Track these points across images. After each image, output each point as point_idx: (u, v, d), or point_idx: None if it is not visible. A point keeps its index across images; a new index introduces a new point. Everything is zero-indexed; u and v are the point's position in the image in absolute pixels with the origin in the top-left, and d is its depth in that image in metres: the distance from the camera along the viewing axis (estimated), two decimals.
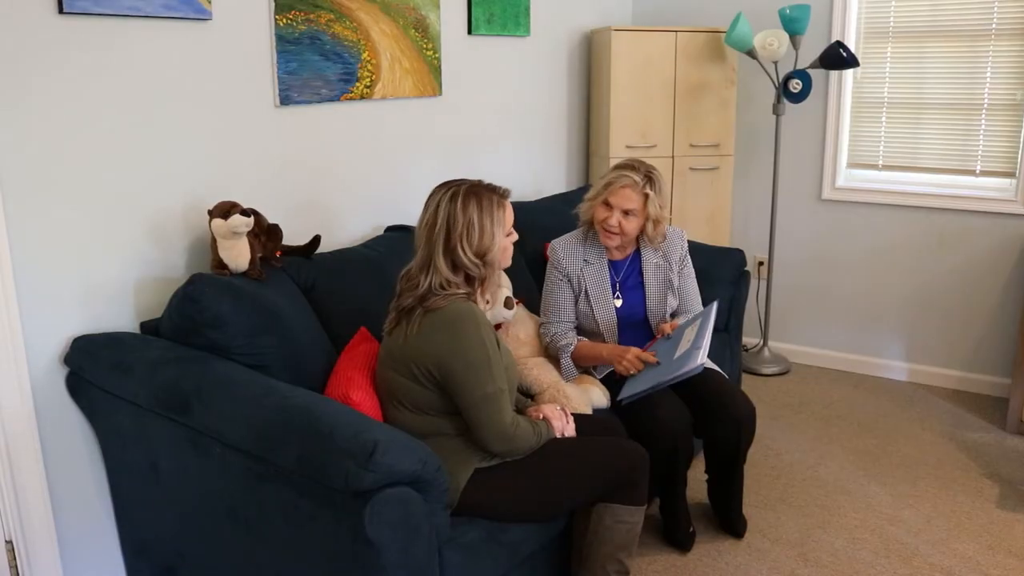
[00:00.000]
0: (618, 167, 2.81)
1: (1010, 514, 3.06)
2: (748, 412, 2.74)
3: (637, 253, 2.93)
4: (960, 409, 3.97)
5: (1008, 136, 3.94)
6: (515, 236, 2.32)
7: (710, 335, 2.61)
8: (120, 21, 2.27)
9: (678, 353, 2.63)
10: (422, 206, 2.25)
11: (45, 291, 2.20)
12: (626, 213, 2.77)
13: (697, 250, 3.48)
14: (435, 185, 2.28)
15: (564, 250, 2.91)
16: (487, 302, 2.77)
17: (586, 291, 2.87)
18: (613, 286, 2.89)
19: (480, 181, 2.26)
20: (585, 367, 2.88)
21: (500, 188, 2.26)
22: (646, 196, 2.76)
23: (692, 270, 3.00)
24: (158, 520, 2.25)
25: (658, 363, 2.67)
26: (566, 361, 2.84)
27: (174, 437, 2.09)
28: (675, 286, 2.93)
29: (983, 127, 3.99)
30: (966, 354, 4.17)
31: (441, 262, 2.16)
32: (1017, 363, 3.63)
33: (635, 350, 2.72)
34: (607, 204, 2.79)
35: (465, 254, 2.16)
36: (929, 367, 4.27)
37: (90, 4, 2.16)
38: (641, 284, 2.91)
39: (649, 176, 2.77)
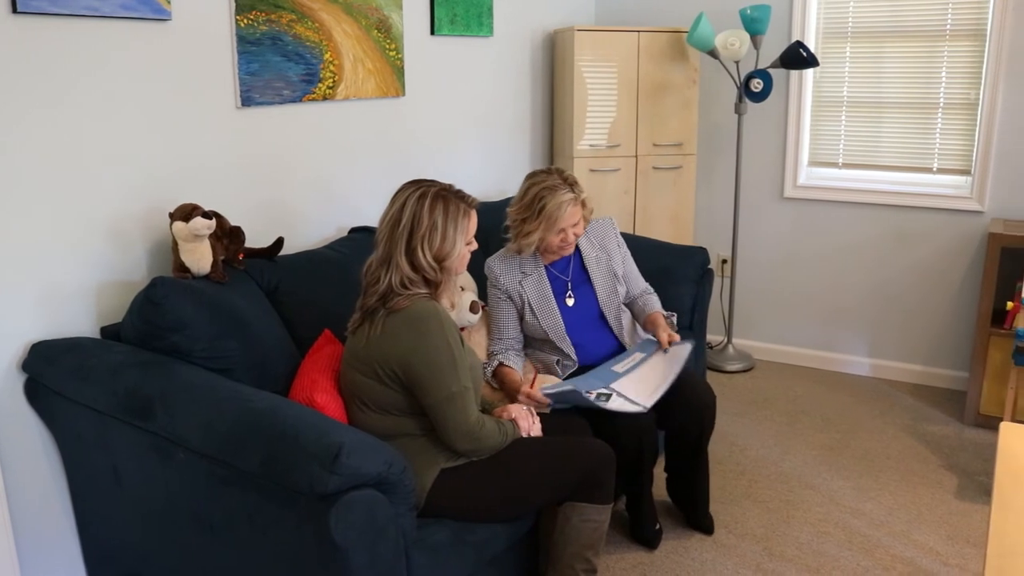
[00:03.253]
0: (541, 193, 2.71)
1: (968, 504, 3.12)
2: (709, 400, 2.77)
3: (577, 250, 2.94)
4: (920, 403, 4.03)
5: (963, 134, 4.01)
6: (475, 245, 2.31)
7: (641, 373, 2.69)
8: (76, 21, 2.23)
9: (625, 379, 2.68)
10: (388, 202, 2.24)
11: (2, 296, 2.16)
12: (575, 225, 2.77)
13: (660, 249, 3.52)
14: (400, 183, 2.27)
15: (500, 267, 2.88)
16: (451, 305, 2.76)
17: (529, 303, 2.85)
18: (563, 287, 2.90)
19: (450, 186, 2.25)
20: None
21: (469, 197, 2.26)
22: (583, 202, 2.77)
23: (628, 251, 3.04)
24: (121, 527, 2.22)
25: (549, 404, 2.59)
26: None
27: (137, 443, 2.07)
28: (619, 274, 2.95)
29: (939, 125, 4.06)
30: (926, 349, 4.24)
31: (403, 260, 2.15)
32: (975, 357, 3.70)
33: (523, 391, 2.60)
34: (559, 230, 2.75)
35: (424, 256, 2.16)
36: (890, 362, 4.34)
37: (45, 4, 2.13)
38: (588, 280, 2.93)
39: (571, 182, 2.74)
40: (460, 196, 2.24)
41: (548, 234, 2.75)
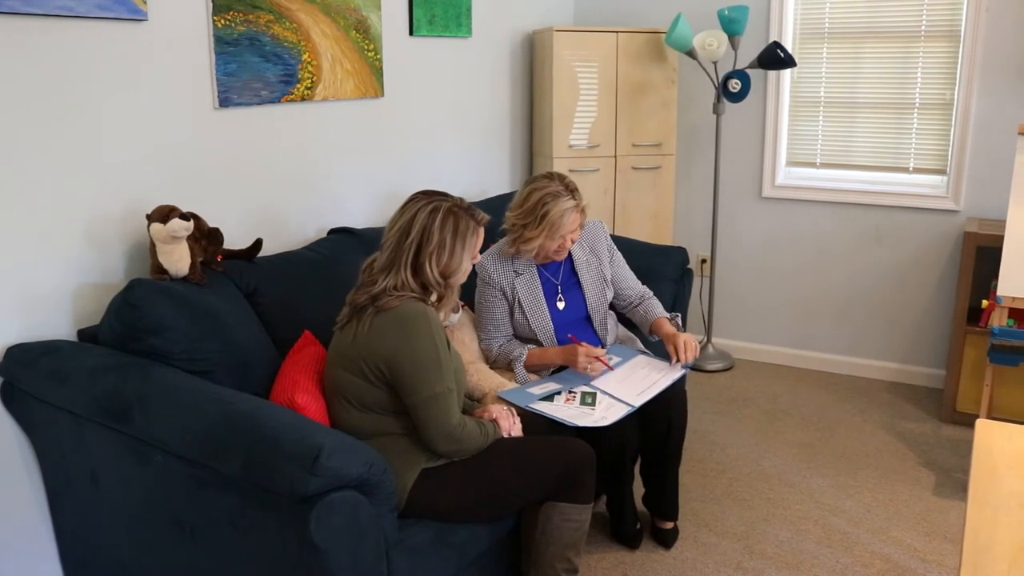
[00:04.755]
0: (544, 199, 2.69)
1: (945, 501, 3.15)
2: (676, 388, 2.73)
3: (567, 253, 2.94)
4: (898, 400, 4.07)
5: (939, 134, 4.05)
6: (478, 259, 2.33)
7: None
8: (51, 21, 2.21)
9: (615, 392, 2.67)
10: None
11: None
12: (573, 231, 2.77)
13: (640, 249, 3.53)
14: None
15: (494, 266, 2.86)
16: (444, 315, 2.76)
17: (519, 302, 2.84)
18: (554, 290, 2.90)
19: (461, 201, 2.26)
20: (534, 371, 2.87)
21: (479, 214, 2.27)
22: (582, 210, 2.76)
23: (621, 256, 3.04)
24: (99, 531, 2.20)
25: (611, 369, 2.73)
26: (520, 370, 2.81)
27: (115, 446, 2.05)
28: (608, 279, 2.96)
29: (915, 126, 4.09)
30: (903, 347, 4.28)
31: (404, 271, 2.17)
32: (951, 355, 3.74)
33: (584, 348, 2.69)
34: (559, 237, 2.74)
35: (431, 271, 2.19)
36: (868, 360, 4.37)
37: (18, 3, 2.11)
38: (578, 283, 2.93)
39: (572, 188, 2.73)
40: (471, 213, 2.25)
41: (549, 241, 2.74)
